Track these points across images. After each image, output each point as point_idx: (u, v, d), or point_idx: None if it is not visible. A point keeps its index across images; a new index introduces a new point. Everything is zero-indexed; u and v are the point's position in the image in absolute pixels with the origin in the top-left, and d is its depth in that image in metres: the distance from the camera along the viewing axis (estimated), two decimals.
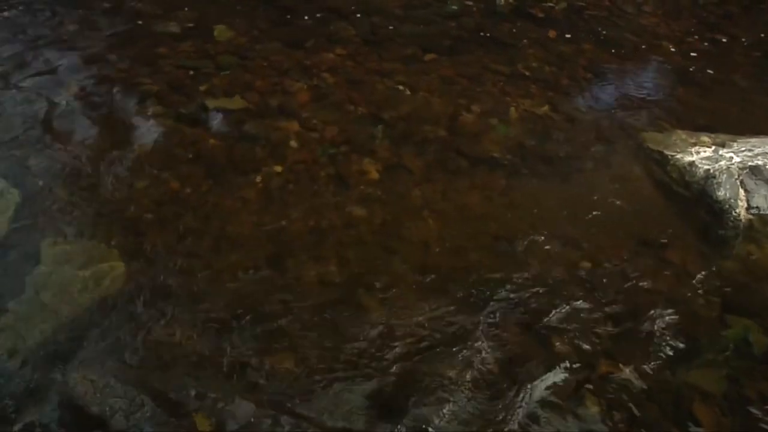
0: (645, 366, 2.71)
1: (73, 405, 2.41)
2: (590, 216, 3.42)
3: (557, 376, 2.65)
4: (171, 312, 2.76)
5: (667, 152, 3.77)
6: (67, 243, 3.00)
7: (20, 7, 4.83)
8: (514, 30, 5.17)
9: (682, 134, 3.95)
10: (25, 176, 3.31)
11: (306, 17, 4.98)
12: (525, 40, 5.03)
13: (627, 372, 2.68)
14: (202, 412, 2.42)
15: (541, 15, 5.39)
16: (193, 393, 2.48)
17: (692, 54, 5.10)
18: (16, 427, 2.33)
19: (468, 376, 2.61)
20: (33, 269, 2.86)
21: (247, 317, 2.75)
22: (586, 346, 2.77)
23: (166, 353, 2.60)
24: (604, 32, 5.25)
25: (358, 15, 5.05)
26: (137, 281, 2.87)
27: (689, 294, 3.03)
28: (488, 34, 5.05)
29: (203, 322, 2.72)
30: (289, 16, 4.96)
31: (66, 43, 4.50)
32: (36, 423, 2.34)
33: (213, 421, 2.40)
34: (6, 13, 4.73)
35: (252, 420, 2.41)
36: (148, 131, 3.71)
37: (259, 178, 3.43)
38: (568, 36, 5.14)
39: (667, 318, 2.89)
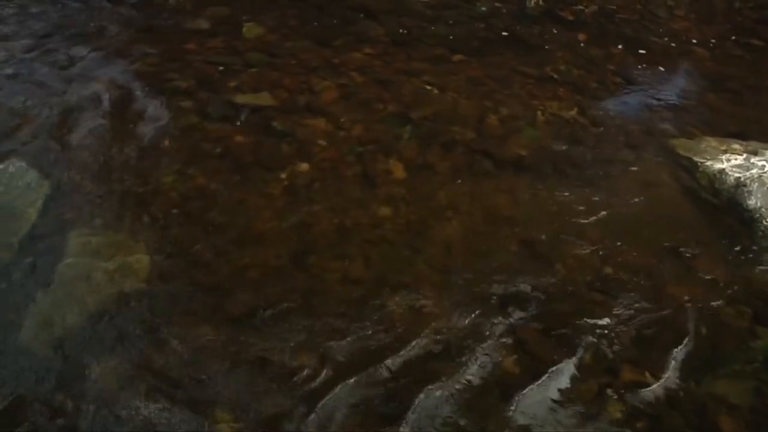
0: (669, 374, 2.67)
1: (97, 396, 2.43)
2: (616, 222, 3.38)
3: (578, 380, 2.63)
4: (194, 306, 2.78)
5: (696, 159, 3.72)
6: (94, 235, 3.03)
7: (47, 2, 4.89)
8: (543, 32, 5.13)
9: (712, 141, 3.90)
10: (55, 168, 3.35)
11: (335, 16, 4.98)
12: (554, 43, 4.99)
13: (651, 379, 2.65)
14: (223, 407, 2.43)
15: (570, 18, 5.35)
16: (214, 388, 2.49)
17: (725, 59, 5.03)
18: (42, 416, 2.36)
19: (487, 378, 2.61)
20: (60, 260, 2.90)
21: (270, 314, 2.77)
22: (609, 352, 2.74)
23: (188, 347, 2.62)
24: (635, 36, 5.19)
25: (387, 15, 5.04)
26: (162, 275, 2.90)
27: (717, 303, 2.98)
28: (517, 36, 5.02)
29: (226, 318, 2.74)
30: (318, 15, 4.97)
31: (96, 36, 4.55)
32: (61, 413, 2.37)
33: (234, 417, 2.41)
34: (36, 7, 4.79)
35: (272, 417, 2.42)
36: (175, 126, 3.73)
37: (285, 175, 3.43)
38: (597, 39, 5.09)
39: (693, 327, 2.85)
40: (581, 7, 5.53)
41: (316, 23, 4.87)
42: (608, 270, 3.12)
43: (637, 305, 2.95)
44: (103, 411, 2.39)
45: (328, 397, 2.49)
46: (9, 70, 4.07)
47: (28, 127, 3.61)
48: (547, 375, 2.64)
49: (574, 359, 2.71)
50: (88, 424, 2.35)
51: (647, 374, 2.67)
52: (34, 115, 3.69)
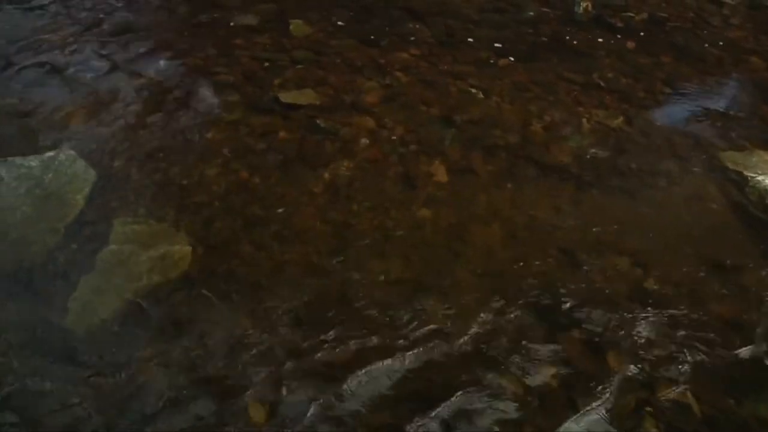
0: (710, 393, 2.61)
1: (133, 384, 2.47)
2: (660, 234, 3.32)
3: (615, 393, 2.59)
4: (233, 299, 2.81)
5: (746, 173, 3.64)
6: (137, 223, 3.08)
7: None
8: (592, 39, 5.06)
9: (764, 155, 3.80)
10: (102, 157, 3.41)
11: (382, 16, 4.98)
12: (602, 50, 4.91)
13: (690, 397, 2.60)
14: (258, 400, 2.45)
15: (620, 25, 5.26)
16: (249, 381, 2.52)
17: None
18: (80, 400, 2.40)
19: (521, 386, 2.58)
20: (104, 246, 2.95)
21: (308, 310, 2.79)
22: (648, 367, 2.70)
23: (225, 340, 2.65)
24: (686, 45, 5.08)
25: (434, 16, 5.03)
26: (202, 266, 2.93)
27: (764, 323, 2.91)
28: (564, 42, 4.96)
29: (264, 311, 2.76)
30: (365, 15, 4.98)
31: (145, 29, 4.61)
32: (99, 398, 2.42)
33: (268, 411, 2.43)
34: (86, 1, 4.88)
35: (305, 412, 2.44)
36: (221, 120, 3.77)
37: (327, 173, 3.45)
38: (647, 47, 5.00)
39: (737, 346, 2.79)
40: (631, 14, 5.44)
41: (362, 23, 4.88)
42: (650, 283, 3.07)
43: (678, 320, 2.89)
44: (138, 399, 2.43)
45: (361, 395, 2.50)
46: (58, 61, 4.15)
47: (78, 116, 3.68)
48: (583, 386, 2.61)
49: (611, 372, 2.67)
50: (124, 411, 2.39)
51: (687, 392, 2.62)
52: (83, 106, 3.76)
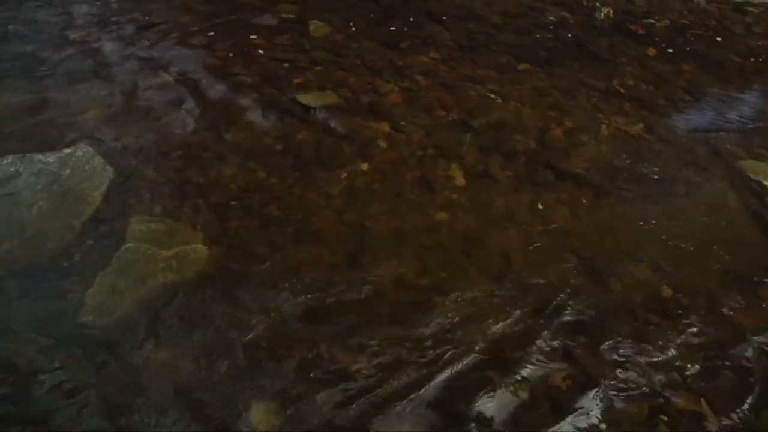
0: (727, 405, 2.58)
1: (146, 382, 2.48)
2: (678, 243, 3.30)
3: (629, 402, 2.57)
4: (247, 299, 2.80)
5: (766, 183, 3.61)
6: (153, 222, 3.08)
7: None
8: (612, 45, 5.03)
9: None
10: (120, 155, 3.42)
11: (402, 19, 4.98)
12: (622, 57, 4.90)
13: (706, 409, 2.57)
14: (268, 400, 2.45)
15: (641, 32, 5.24)
16: (260, 381, 2.51)
17: None
18: (94, 397, 2.41)
19: (536, 391, 2.57)
20: (120, 244, 2.95)
21: (322, 311, 2.77)
22: (663, 376, 2.67)
23: (239, 340, 2.65)
24: (708, 52, 5.05)
25: (455, 20, 5.02)
26: (218, 265, 2.93)
27: None
28: (585, 48, 4.94)
29: (278, 312, 2.75)
30: (385, 17, 4.98)
31: (166, 28, 4.64)
32: (112, 395, 2.42)
33: (277, 411, 2.43)
34: None
35: (316, 415, 2.43)
36: (239, 120, 3.77)
37: (344, 175, 3.44)
38: (668, 54, 4.98)
39: (756, 357, 2.75)
40: (652, 21, 5.41)
41: (382, 25, 4.88)
42: (667, 291, 3.05)
43: (695, 330, 2.87)
44: (150, 397, 2.43)
45: (372, 397, 2.49)
46: (78, 58, 4.17)
47: (96, 113, 3.70)
48: (596, 392, 2.59)
49: (625, 379, 2.64)
50: (137, 408, 2.39)
51: (702, 403, 2.59)
52: (102, 103, 3.78)
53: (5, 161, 3.07)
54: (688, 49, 5.08)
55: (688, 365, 2.73)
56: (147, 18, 4.71)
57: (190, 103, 3.88)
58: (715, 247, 3.30)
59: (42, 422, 2.32)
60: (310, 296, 2.83)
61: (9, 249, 2.88)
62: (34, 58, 4.09)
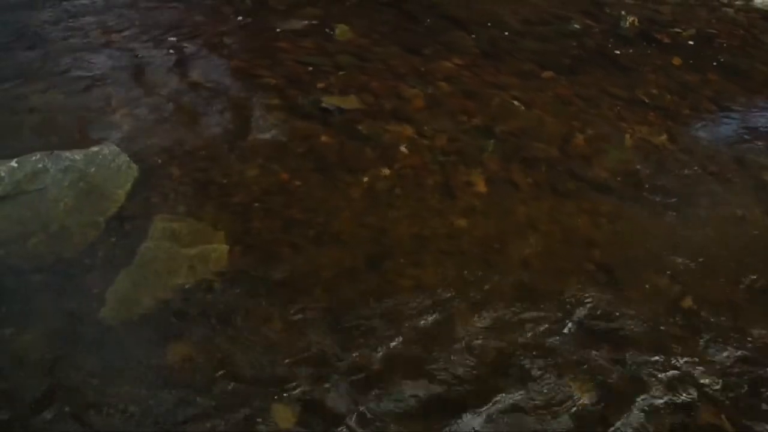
0: (751, 422, 2.56)
1: (165, 379, 2.50)
2: (701, 254, 3.26)
3: (650, 415, 2.54)
4: (267, 300, 2.82)
5: None
6: (176, 221, 3.11)
7: None
8: (637, 54, 5.00)
9: None
10: (146, 154, 3.45)
11: (426, 24, 4.99)
12: (647, 65, 4.86)
13: (727, 425, 2.54)
14: (287, 403, 2.46)
15: (667, 40, 5.19)
16: (278, 381, 2.52)
17: None
18: (113, 393, 2.43)
19: (554, 402, 2.55)
20: (143, 242, 2.98)
21: (341, 313, 2.78)
22: (685, 390, 2.65)
23: (257, 340, 2.66)
24: (735, 62, 4.99)
25: (479, 26, 5.02)
26: (239, 265, 2.95)
27: None
28: (609, 57, 4.91)
29: (297, 313, 2.77)
30: (409, 22, 4.99)
31: (192, 30, 4.68)
32: (132, 392, 2.44)
33: (297, 413, 2.43)
34: (136, 1, 4.97)
35: (334, 417, 2.43)
36: (263, 122, 3.80)
37: (366, 179, 3.45)
38: (694, 64, 4.93)
39: None
40: (678, 30, 5.37)
41: (407, 30, 4.89)
42: (689, 303, 3.02)
43: (718, 343, 2.84)
44: (169, 395, 2.45)
45: (389, 402, 2.49)
46: (107, 59, 4.22)
47: (123, 113, 3.74)
48: (616, 406, 2.57)
49: (646, 392, 2.62)
50: (155, 405, 2.41)
51: (723, 418, 2.56)
52: (128, 103, 3.82)
53: (34, 157, 3.11)
54: (714, 58, 5.03)
55: (710, 379, 2.70)
56: (174, 20, 4.76)
57: (214, 104, 3.91)
58: (739, 260, 3.27)
59: (59, 417, 2.35)
60: (329, 299, 2.84)
61: (35, 243, 2.92)
62: (65, 58, 4.15)
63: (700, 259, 3.24)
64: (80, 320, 2.65)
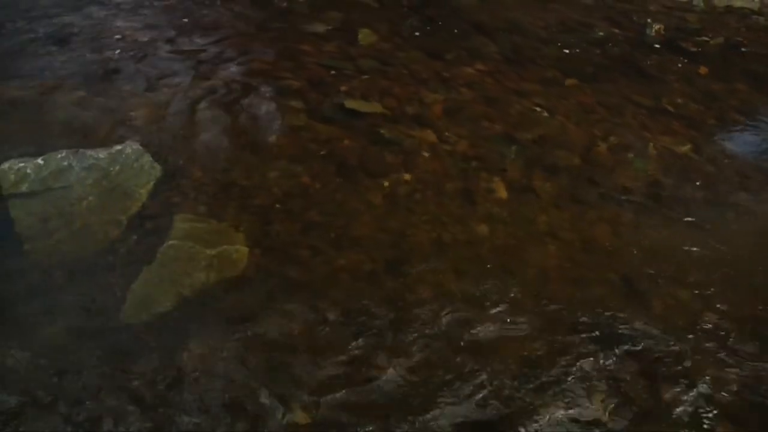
0: None
1: (184, 379, 2.51)
2: (724, 267, 3.23)
3: (670, 428, 2.51)
4: (286, 301, 2.82)
5: None
6: (197, 221, 3.13)
7: None
8: (662, 62, 4.96)
9: None
10: (168, 154, 3.48)
11: (449, 30, 4.98)
12: (672, 74, 4.82)
13: None
14: (303, 405, 2.46)
15: (693, 49, 5.14)
16: (295, 382, 2.53)
17: None
18: (132, 392, 2.45)
19: (573, 413, 2.53)
20: (164, 241, 3.00)
21: (360, 318, 2.78)
22: (706, 405, 2.61)
23: (276, 341, 2.67)
24: (763, 72, 4.93)
25: (502, 33, 5.01)
26: (259, 267, 2.96)
27: None
28: (634, 65, 4.88)
29: (316, 316, 2.77)
30: (433, 27, 4.99)
31: (216, 32, 4.71)
32: (150, 391, 2.46)
33: (310, 412, 2.44)
34: (163, 2, 5.01)
35: (348, 420, 2.43)
36: (285, 124, 3.82)
37: (387, 183, 3.46)
38: (720, 73, 4.87)
39: None
40: (705, 39, 5.31)
41: (430, 35, 4.89)
42: (711, 316, 2.98)
43: (741, 358, 2.80)
44: (186, 393, 2.46)
45: (406, 407, 2.48)
46: (132, 60, 4.26)
47: (146, 113, 3.77)
48: (635, 418, 2.54)
49: (667, 405, 2.59)
50: (174, 404, 2.42)
51: None
52: (152, 103, 3.85)
53: (59, 155, 3.15)
54: (742, 67, 4.98)
55: (733, 395, 2.66)
56: (199, 22, 4.80)
57: (237, 106, 3.93)
58: (763, 273, 3.22)
59: (76, 414, 2.37)
60: (347, 302, 2.84)
61: (58, 240, 2.95)
62: (91, 59, 4.19)
63: (725, 273, 3.20)
64: (100, 317, 2.67)
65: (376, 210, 3.30)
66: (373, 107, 3.99)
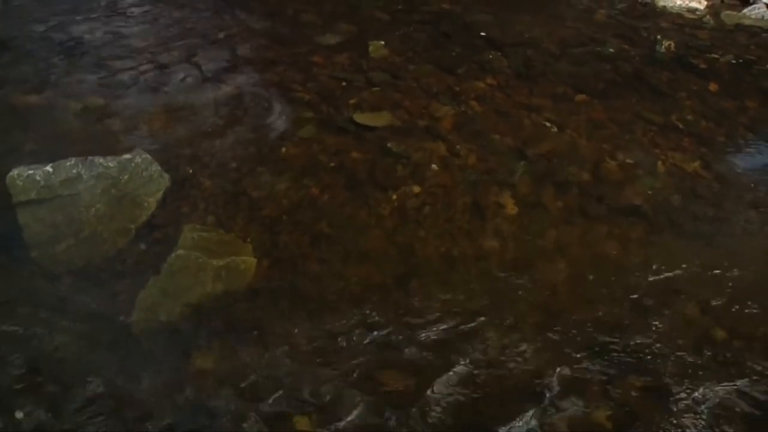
0: None
1: (190, 389, 2.51)
2: (733, 285, 3.19)
3: None
4: (293, 314, 2.82)
5: None
6: (206, 231, 3.14)
7: (186, 8, 5.16)
8: (672, 79, 4.93)
9: None
10: (178, 164, 3.50)
11: (460, 44, 4.99)
12: (682, 91, 4.79)
13: None
14: (308, 415, 2.46)
15: (703, 66, 5.12)
16: (300, 393, 2.53)
17: None
18: (135, 397, 2.45)
19: (575, 428, 2.51)
20: (172, 251, 3.01)
21: (367, 331, 2.78)
22: (714, 424, 2.58)
23: (282, 353, 2.67)
24: None
25: (513, 47, 5.00)
26: (266, 278, 2.97)
27: None
28: (644, 81, 4.86)
29: (322, 328, 2.77)
30: (444, 41, 5.00)
31: (227, 43, 4.76)
32: (157, 401, 2.45)
33: (315, 425, 2.44)
34: (170, 12, 5.05)
35: (352, 426, 2.44)
36: (294, 136, 3.83)
37: (396, 196, 3.45)
38: (731, 90, 4.85)
39: None
40: (716, 56, 5.29)
41: (441, 49, 4.90)
42: (720, 334, 2.96)
43: (749, 376, 2.77)
44: (192, 402, 2.46)
45: (410, 420, 2.48)
46: (143, 69, 4.31)
47: (156, 122, 3.80)
48: None
49: (672, 423, 2.57)
50: (180, 415, 2.42)
51: None
52: (162, 112, 3.89)
53: (68, 163, 3.16)
54: (753, 84, 4.94)
55: (741, 413, 2.63)
56: (210, 33, 4.83)
57: (247, 117, 3.96)
58: None
59: (82, 420, 2.36)
60: (355, 315, 2.83)
61: (66, 247, 2.97)
62: (103, 68, 4.22)
63: (733, 291, 3.17)
64: (107, 324, 2.68)
65: (385, 223, 3.30)
66: (384, 120, 4.00)
